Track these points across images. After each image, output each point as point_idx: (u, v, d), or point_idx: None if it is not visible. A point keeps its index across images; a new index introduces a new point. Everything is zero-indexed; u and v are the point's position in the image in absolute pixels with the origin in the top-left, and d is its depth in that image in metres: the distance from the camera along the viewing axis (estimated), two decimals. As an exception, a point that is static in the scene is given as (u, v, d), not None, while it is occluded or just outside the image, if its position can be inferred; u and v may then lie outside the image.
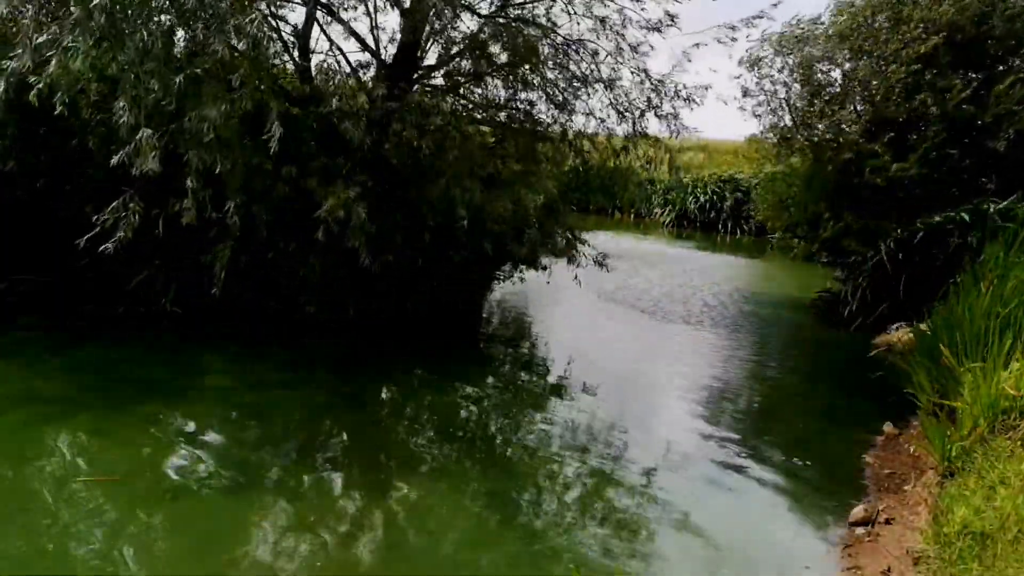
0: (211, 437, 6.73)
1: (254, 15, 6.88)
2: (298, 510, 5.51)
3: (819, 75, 13.62)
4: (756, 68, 14.03)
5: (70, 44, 5.70)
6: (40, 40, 5.80)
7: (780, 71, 14.03)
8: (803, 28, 13.78)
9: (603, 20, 10.83)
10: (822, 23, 13.73)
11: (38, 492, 5.41)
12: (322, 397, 7.92)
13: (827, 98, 13.38)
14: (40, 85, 5.74)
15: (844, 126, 12.98)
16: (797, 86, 13.99)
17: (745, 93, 14.38)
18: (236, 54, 7.21)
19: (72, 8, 5.91)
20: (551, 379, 9.23)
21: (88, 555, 4.73)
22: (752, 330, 12.16)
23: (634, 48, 11.17)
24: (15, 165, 8.41)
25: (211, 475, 5.95)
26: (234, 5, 6.62)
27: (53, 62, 5.71)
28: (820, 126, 13.61)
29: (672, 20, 10.93)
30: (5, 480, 5.58)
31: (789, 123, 14.37)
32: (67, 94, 5.92)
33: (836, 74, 13.63)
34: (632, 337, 11.56)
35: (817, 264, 15.95)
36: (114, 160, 6.85)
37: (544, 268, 11.29)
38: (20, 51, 6.38)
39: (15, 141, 8.38)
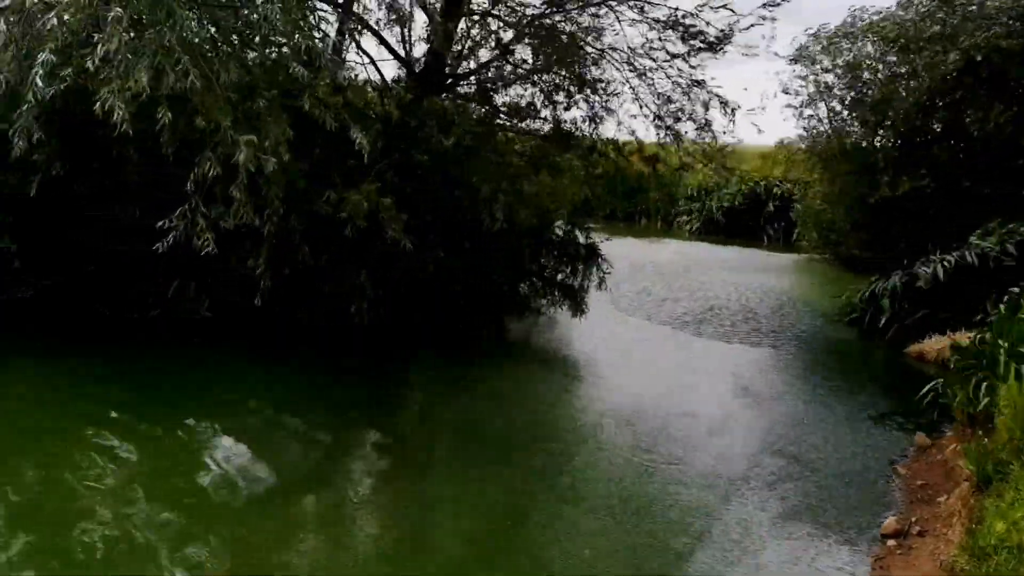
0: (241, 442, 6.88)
1: (315, 35, 7.05)
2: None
3: (866, 74, 13.38)
4: (802, 63, 13.79)
5: (131, 61, 5.84)
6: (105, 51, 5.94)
7: (827, 70, 13.88)
8: (855, 28, 13.56)
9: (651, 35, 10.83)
10: (875, 22, 13.47)
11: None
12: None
13: (869, 106, 13.22)
14: (103, 97, 5.88)
15: (882, 137, 12.83)
16: (839, 90, 13.86)
17: (785, 91, 14.24)
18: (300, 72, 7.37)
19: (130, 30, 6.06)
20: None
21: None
22: (782, 340, 12.01)
23: (673, 57, 11.10)
24: (60, 170, 8.58)
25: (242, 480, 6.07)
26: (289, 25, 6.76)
27: (115, 82, 5.87)
28: (858, 131, 13.46)
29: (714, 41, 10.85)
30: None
31: (827, 126, 14.26)
32: (127, 110, 6.05)
33: (880, 77, 13.43)
34: (663, 355, 11.42)
35: (849, 271, 15.77)
36: (194, 176, 6.98)
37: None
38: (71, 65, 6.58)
39: (59, 150, 8.58)
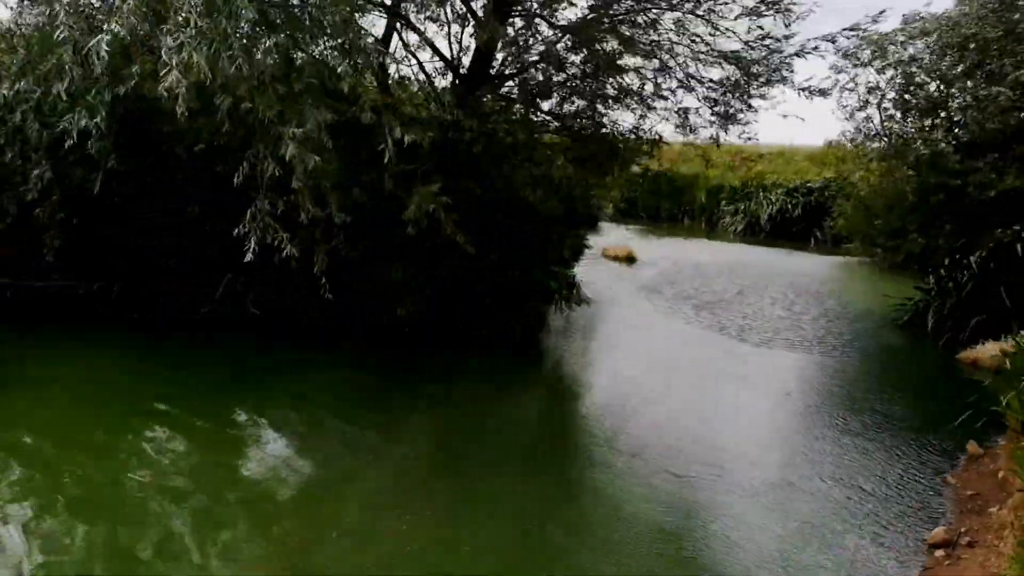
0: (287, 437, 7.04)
1: (362, 32, 7.18)
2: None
3: (919, 78, 13.05)
4: (853, 61, 13.52)
5: (190, 52, 6.02)
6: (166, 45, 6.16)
7: (879, 72, 13.59)
8: (908, 31, 13.26)
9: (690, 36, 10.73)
10: (927, 26, 13.16)
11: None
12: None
13: (923, 108, 12.90)
14: (168, 83, 6.07)
15: (941, 141, 12.47)
16: (892, 93, 13.56)
17: (838, 87, 13.94)
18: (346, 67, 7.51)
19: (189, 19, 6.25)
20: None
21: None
22: (826, 346, 11.78)
23: (721, 55, 10.98)
24: (115, 165, 8.87)
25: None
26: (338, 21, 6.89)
27: (173, 72, 6.06)
28: (912, 132, 13.14)
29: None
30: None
31: (879, 127, 13.96)
32: (189, 98, 6.26)
33: (934, 85, 13.10)
34: (707, 360, 11.31)
35: (898, 275, 15.40)
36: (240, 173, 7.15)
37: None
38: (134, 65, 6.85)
39: (117, 147, 8.89)
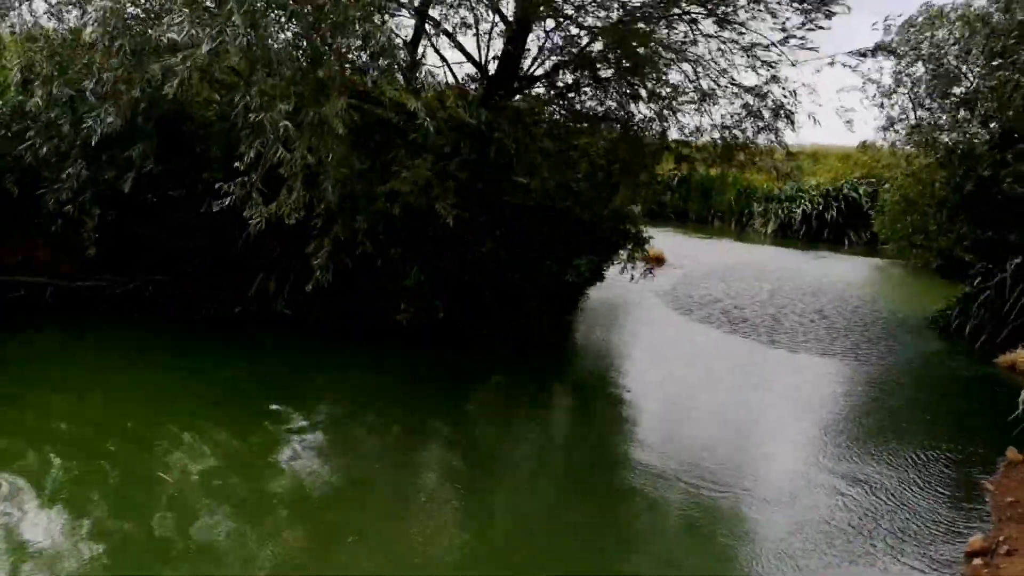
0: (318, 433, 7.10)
1: (383, 25, 7.15)
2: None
3: (950, 63, 12.69)
4: (883, 54, 13.29)
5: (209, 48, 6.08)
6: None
7: (911, 63, 13.29)
8: (933, 14, 12.95)
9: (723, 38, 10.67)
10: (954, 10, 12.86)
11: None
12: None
13: (956, 100, 12.58)
14: (183, 73, 6.12)
15: (974, 134, 12.14)
16: (923, 80, 13.22)
17: (870, 81, 13.63)
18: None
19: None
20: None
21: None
22: (859, 350, 11.55)
23: (753, 59, 10.87)
24: (152, 167, 9.02)
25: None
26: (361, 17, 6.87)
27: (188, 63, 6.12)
28: (945, 126, 12.82)
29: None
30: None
31: (913, 120, 13.65)
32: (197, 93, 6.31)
33: (967, 73, 12.75)
34: (732, 366, 11.15)
35: (936, 276, 15.10)
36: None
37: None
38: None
39: (155, 148, 9.04)
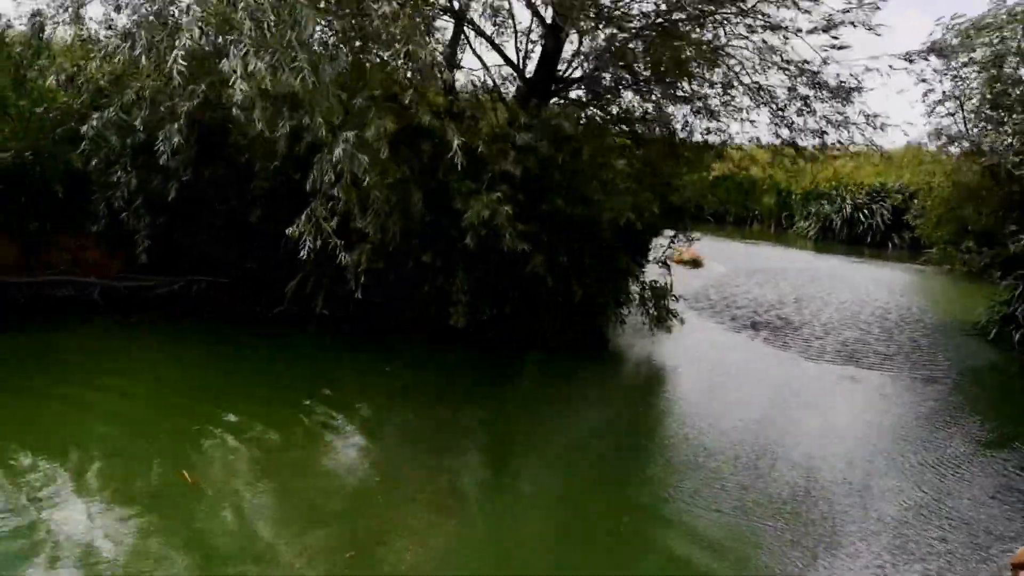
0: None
1: (426, 42, 7.31)
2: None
3: (1008, 69, 12.33)
4: (938, 56, 13.01)
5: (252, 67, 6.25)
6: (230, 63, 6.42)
7: (965, 65, 12.96)
8: (997, 18, 12.60)
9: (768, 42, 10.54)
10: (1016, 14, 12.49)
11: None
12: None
13: (1011, 102, 12.23)
14: (243, 92, 6.32)
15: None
16: (978, 84, 12.90)
17: (923, 80, 13.29)
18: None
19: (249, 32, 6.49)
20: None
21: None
22: (901, 358, 11.26)
23: (792, 64, 10.71)
24: (192, 175, 9.31)
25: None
26: (405, 28, 7.01)
27: (238, 83, 6.30)
28: (1004, 131, 12.47)
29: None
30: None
31: (963, 125, 13.34)
32: (263, 113, 6.53)
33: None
34: (768, 378, 11.06)
35: (984, 281, 14.67)
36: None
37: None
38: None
39: (196, 154, 9.29)
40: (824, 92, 10.74)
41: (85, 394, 7.40)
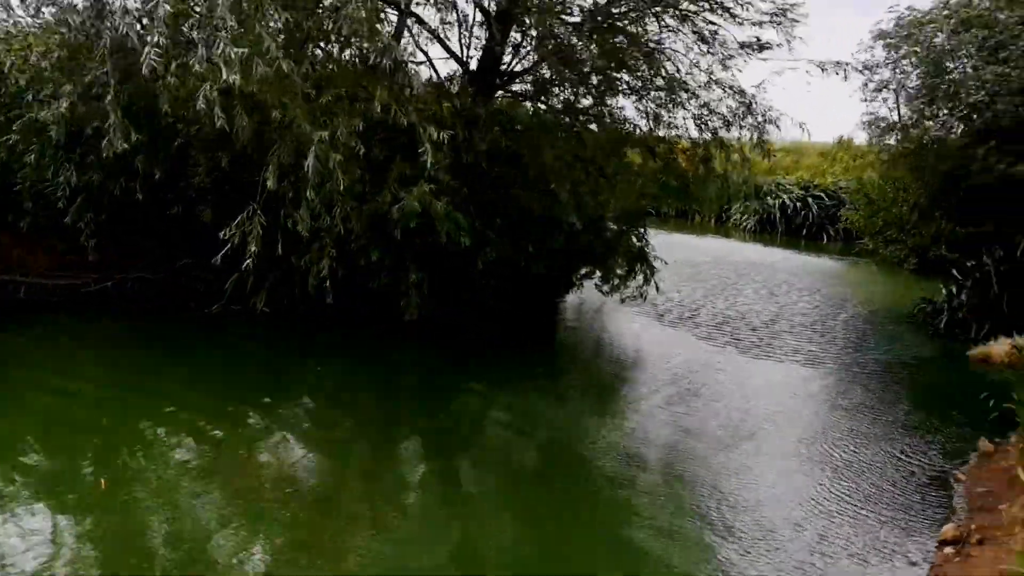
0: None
1: (388, 39, 7.25)
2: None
3: (945, 63, 12.83)
4: (879, 46, 13.49)
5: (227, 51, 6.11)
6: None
7: (902, 58, 13.46)
8: (928, 14, 13.15)
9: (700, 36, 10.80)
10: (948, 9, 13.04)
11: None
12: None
13: (942, 95, 12.71)
14: (205, 93, 6.16)
15: (956, 127, 12.26)
16: (914, 77, 13.41)
17: (865, 67, 13.75)
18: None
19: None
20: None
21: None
22: (833, 346, 11.64)
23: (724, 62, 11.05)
24: (140, 165, 8.99)
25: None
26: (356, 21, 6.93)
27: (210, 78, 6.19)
28: (930, 123, 12.97)
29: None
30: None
31: (897, 117, 13.83)
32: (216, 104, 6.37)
33: (957, 67, 12.91)
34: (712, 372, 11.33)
35: (912, 272, 15.31)
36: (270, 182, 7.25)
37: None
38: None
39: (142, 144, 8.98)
40: (734, 92, 11.19)
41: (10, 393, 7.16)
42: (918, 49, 12.87)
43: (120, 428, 6.78)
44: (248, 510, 5.47)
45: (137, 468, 6.06)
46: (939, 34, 12.61)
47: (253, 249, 7.37)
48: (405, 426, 7.69)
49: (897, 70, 13.76)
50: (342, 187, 7.19)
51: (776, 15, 10.69)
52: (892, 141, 14.24)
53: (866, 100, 14.25)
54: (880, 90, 14.01)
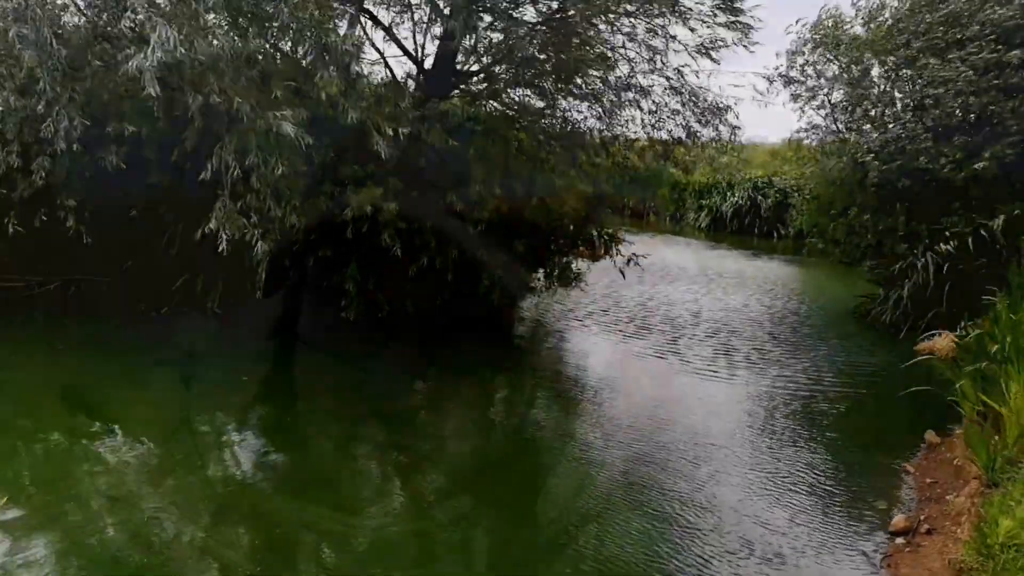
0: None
1: (333, 28, 7.11)
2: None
3: (864, 71, 13.22)
4: (797, 59, 13.92)
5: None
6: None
7: (824, 64, 13.86)
8: (838, 29, 13.60)
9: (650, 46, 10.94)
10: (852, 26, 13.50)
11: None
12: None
13: (873, 100, 13.07)
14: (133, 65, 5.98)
15: (892, 128, 12.55)
16: (839, 85, 13.77)
17: (789, 82, 14.17)
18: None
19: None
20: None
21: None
22: (789, 337, 11.94)
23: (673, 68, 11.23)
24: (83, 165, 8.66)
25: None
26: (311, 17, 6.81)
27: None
28: (867, 127, 13.31)
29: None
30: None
31: (830, 122, 14.19)
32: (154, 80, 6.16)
33: (878, 73, 13.30)
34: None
35: (860, 268, 15.64)
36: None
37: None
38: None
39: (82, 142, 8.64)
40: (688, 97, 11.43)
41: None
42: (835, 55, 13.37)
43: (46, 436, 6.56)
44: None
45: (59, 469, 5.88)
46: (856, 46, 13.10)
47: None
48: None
49: (822, 78, 14.20)
50: (286, 183, 7.09)
51: (731, 21, 10.86)
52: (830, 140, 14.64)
53: (798, 108, 14.66)
54: (810, 99, 14.40)
